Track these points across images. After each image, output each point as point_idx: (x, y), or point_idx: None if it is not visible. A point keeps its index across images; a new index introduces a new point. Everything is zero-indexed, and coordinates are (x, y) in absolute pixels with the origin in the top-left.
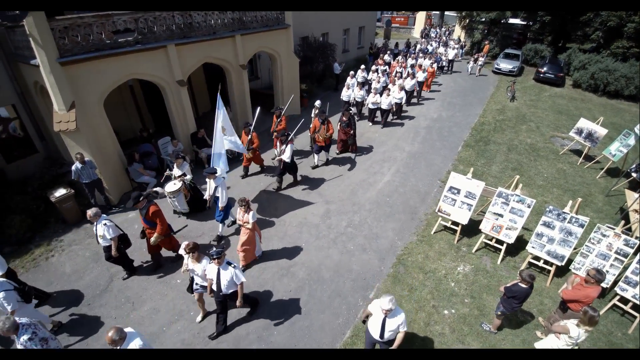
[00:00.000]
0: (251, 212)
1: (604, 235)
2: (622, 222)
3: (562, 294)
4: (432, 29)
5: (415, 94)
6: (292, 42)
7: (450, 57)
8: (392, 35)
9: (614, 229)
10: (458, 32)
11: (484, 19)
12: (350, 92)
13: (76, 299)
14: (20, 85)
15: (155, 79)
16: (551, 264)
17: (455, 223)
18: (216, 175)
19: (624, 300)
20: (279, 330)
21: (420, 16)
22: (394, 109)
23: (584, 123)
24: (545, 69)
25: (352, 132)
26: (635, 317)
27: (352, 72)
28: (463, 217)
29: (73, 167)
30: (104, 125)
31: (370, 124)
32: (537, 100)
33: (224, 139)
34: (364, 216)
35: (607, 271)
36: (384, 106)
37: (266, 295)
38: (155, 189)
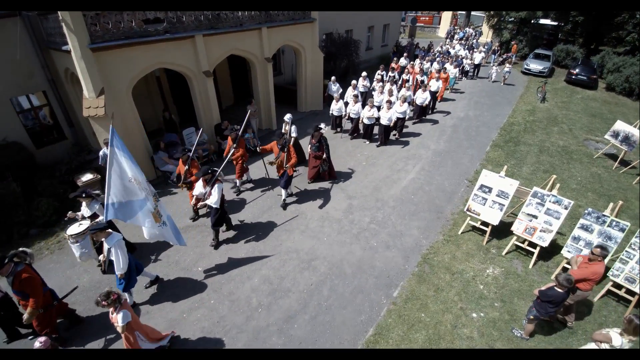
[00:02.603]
0: (121, 312)
1: None
2: None
3: (571, 274)
4: (459, 30)
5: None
6: (317, 36)
7: (476, 62)
8: (417, 34)
9: None
10: (486, 34)
11: (512, 19)
12: (340, 105)
13: (99, 281)
14: (51, 72)
15: (182, 69)
16: None
17: (484, 223)
18: (109, 232)
19: None
20: (300, 323)
21: (446, 16)
22: (397, 125)
23: (620, 125)
24: (577, 70)
25: (323, 156)
26: None
27: (354, 82)
28: (494, 217)
29: (101, 153)
30: (131, 113)
31: (366, 141)
32: (569, 102)
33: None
34: (388, 213)
35: None
36: (384, 122)
37: (287, 287)
38: (22, 250)
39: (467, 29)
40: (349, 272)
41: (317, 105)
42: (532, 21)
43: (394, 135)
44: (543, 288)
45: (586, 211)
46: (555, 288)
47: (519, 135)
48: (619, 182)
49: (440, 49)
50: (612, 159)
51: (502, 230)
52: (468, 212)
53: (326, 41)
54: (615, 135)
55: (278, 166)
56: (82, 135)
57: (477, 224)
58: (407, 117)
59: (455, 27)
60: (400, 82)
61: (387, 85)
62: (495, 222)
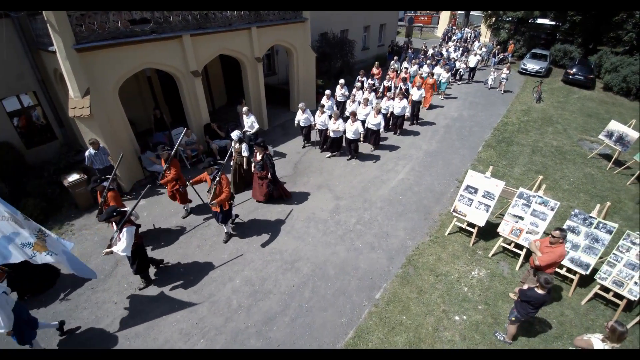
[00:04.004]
0: None
1: (633, 244)
2: None
3: (539, 261)
4: (458, 31)
5: (408, 115)
6: (309, 36)
7: (472, 65)
8: (414, 35)
9: None
10: (484, 34)
11: (510, 18)
12: (307, 115)
13: (81, 283)
14: (41, 73)
15: (170, 69)
16: (574, 273)
17: (471, 225)
18: None
19: None
20: (279, 325)
21: (444, 16)
22: (371, 137)
23: (614, 125)
24: (574, 70)
25: (268, 175)
26: None
27: (328, 92)
28: (480, 218)
29: (86, 153)
30: (118, 113)
31: (328, 154)
32: (565, 102)
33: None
34: (375, 214)
35: (636, 282)
36: (350, 135)
37: (268, 289)
38: None
39: (465, 29)
40: (332, 274)
41: (309, 105)
42: (530, 21)
43: (374, 146)
44: (524, 287)
45: (573, 212)
46: (535, 289)
47: (512, 136)
48: (613, 183)
49: (433, 51)
50: (607, 159)
51: (489, 232)
52: (454, 213)
53: (321, 41)
54: (610, 135)
55: (211, 198)
56: (73, 136)
57: (464, 225)
58: (381, 128)
59: (454, 27)
60: (381, 90)
61: (360, 94)
62: (481, 223)
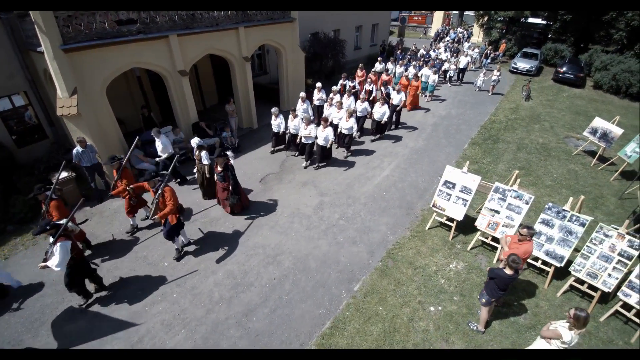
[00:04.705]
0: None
1: (606, 236)
2: (627, 222)
3: (503, 255)
4: (452, 31)
5: (386, 121)
6: (298, 35)
7: (461, 66)
8: (408, 35)
9: (617, 229)
10: (477, 34)
11: (501, 18)
12: (280, 120)
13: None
14: (31, 73)
15: (158, 69)
16: (550, 265)
17: (450, 219)
18: None
19: (628, 307)
20: (259, 317)
21: (438, 15)
22: (345, 141)
23: (598, 122)
24: (564, 69)
25: (229, 187)
26: (639, 325)
27: (302, 94)
28: (458, 212)
29: (74, 151)
30: (106, 112)
31: (305, 163)
32: (554, 101)
33: None
34: (358, 209)
35: (610, 274)
36: (320, 142)
37: (249, 282)
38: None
39: (458, 29)
40: (313, 267)
41: None
42: (521, 20)
43: (347, 152)
44: (495, 267)
45: (547, 206)
46: (504, 269)
47: (498, 133)
48: (596, 179)
49: (422, 51)
50: (592, 156)
51: (469, 226)
52: (434, 208)
53: (312, 41)
54: (594, 132)
55: (153, 213)
56: (63, 134)
57: (443, 220)
58: (354, 133)
59: (448, 27)
60: (363, 94)
61: (337, 98)
62: (460, 217)
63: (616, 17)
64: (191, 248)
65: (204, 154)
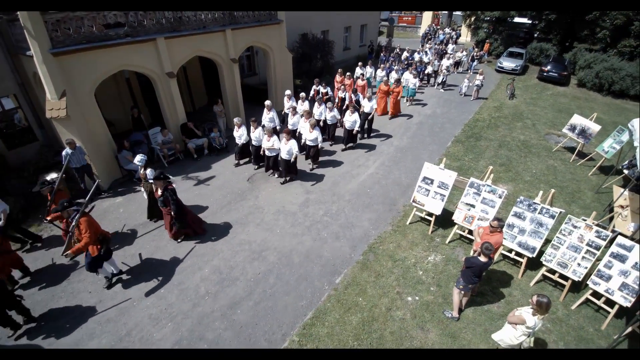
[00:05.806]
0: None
1: (575, 227)
2: (594, 213)
3: (475, 246)
4: (441, 32)
5: (357, 129)
6: (285, 37)
7: (444, 67)
8: (397, 35)
9: (585, 220)
10: (465, 34)
11: (488, 18)
12: (242, 131)
13: (57, 274)
14: (21, 76)
15: (146, 71)
16: (523, 256)
17: (430, 214)
18: None
19: (597, 295)
20: (243, 309)
21: (427, 16)
22: (310, 154)
23: (577, 119)
24: (548, 67)
25: (171, 212)
26: (609, 312)
27: (267, 103)
28: (436, 207)
29: (63, 152)
30: (95, 114)
31: (270, 173)
32: (538, 99)
33: None
34: (342, 206)
35: (579, 264)
36: (284, 155)
37: (235, 277)
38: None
39: (447, 29)
40: (297, 262)
41: None
42: (508, 19)
43: (313, 164)
44: (470, 256)
45: (518, 199)
46: (478, 257)
47: (481, 131)
48: (574, 174)
49: (407, 54)
50: (572, 152)
51: (447, 220)
52: (414, 203)
53: (301, 42)
54: (572, 128)
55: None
56: (53, 136)
57: (423, 215)
58: (319, 144)
59: (437, 27)
60: (336, 101)
61: (305, 106)
62: (438, 212)
63: (600, 16)
64: (125, 276)
65: (149, 171)
